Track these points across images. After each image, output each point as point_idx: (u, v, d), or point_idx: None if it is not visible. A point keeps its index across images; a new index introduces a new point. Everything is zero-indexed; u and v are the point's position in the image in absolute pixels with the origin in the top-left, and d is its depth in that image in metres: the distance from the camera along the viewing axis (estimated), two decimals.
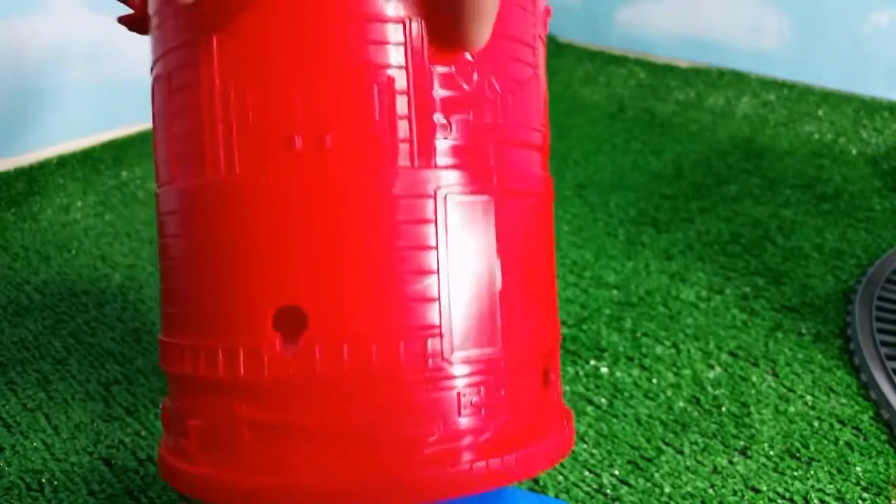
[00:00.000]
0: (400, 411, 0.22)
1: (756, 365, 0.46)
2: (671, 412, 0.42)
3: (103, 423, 0.42)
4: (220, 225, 0.23)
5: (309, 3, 0.22)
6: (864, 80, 0.90)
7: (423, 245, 0.22)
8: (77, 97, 0.80)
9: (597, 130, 0.83)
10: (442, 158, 0.23)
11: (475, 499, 0.26)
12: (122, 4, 0.82)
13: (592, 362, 0.47)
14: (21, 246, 0.62)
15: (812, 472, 0.38)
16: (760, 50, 0.97)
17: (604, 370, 0.46)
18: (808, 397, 0.43)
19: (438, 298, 0.23)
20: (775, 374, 0.45)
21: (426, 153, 0.23)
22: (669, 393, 0.44)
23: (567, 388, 0.44)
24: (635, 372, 0.45)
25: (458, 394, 0.23)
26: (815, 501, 0.36)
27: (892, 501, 0.36)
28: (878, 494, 0.37)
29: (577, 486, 0.37)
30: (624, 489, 0.37)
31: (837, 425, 0.41)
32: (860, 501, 0.36)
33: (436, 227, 0.23)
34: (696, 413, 0.42)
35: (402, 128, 0.22)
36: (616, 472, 0.38)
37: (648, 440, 0.40)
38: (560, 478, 0.38)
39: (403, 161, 0.22)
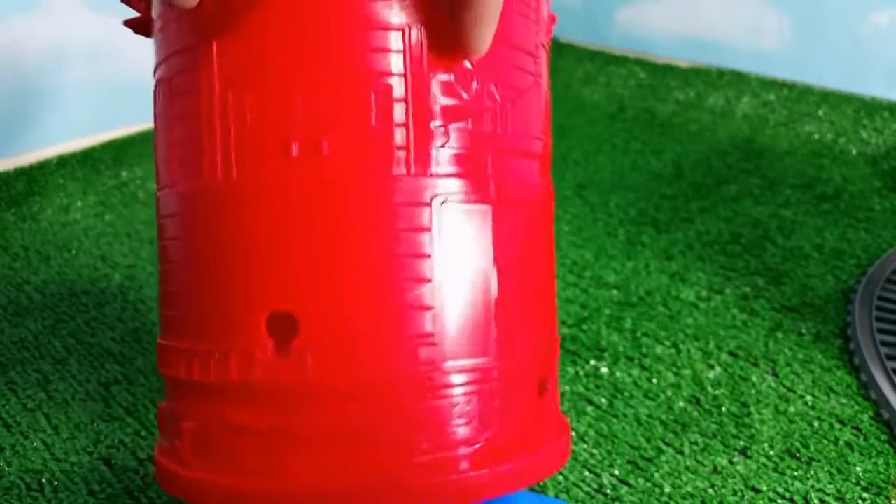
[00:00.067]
0: (392, 419, 0.22)
1: (756, 365, 0.46)
2: (671, 412, 0.42)
3: (103, 423, 0.42)
4: (216, 229, 0.23)
5: (308, 11, 0.22)
6: (864, 80, 0.90)
7: (417, 253, 0.22)
8: (77, 97, 0.80)
9: (597, 130, 0.83)
10: (439, 166, 0.23)
11: None
12: (122, 5, 0.82)
13: (592, 362, 0.47)
14: (21, 246, 0.62)
15: (812, 472, 0.38)
16: (760, 50, 0.97)
17: (604, 370, 0.46)
18: (808, 397, 0.43)
19: (432, 307, 0.23)
20: (775, 374, 0.45)
21: (423, 161, 0.23)
22: (669, 393, 0.44)
23: (567, 388, 0.44)
24: (635, 372, 0.45)
25: (451, 403, 0.23)
26: (815, 501, 0.36)
27: (893, 501, 0.36)
28: (878, 494, 0.37)
29: (577, 486, 0.37)
30: (624, 489, 0.37)
31: (837, 425, 0.41)
32: (860, 501, 0.36)
33: (431, 235, 0.23)
34: (696, 413, 0.42)
35: (399, 135, 0.22)
36: (616, 472, 0.38)
37: (648, 440, 0.40)
38: (560, 478, 0.38)
39: (399, 168, 0.22)
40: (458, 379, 0.23)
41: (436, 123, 0.23)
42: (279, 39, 0.22)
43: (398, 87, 0.22)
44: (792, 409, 0.42)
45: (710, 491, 0.37)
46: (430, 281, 0.22)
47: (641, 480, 0.38)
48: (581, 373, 0.46)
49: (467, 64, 0.23)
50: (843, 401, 0.43)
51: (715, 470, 0.38)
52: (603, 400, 0.43)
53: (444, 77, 0.23)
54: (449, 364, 0.23)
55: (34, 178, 0.74)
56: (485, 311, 0.24)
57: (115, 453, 0.40)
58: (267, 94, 0.22)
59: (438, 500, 0.22)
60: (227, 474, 0.23)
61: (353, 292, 0.22)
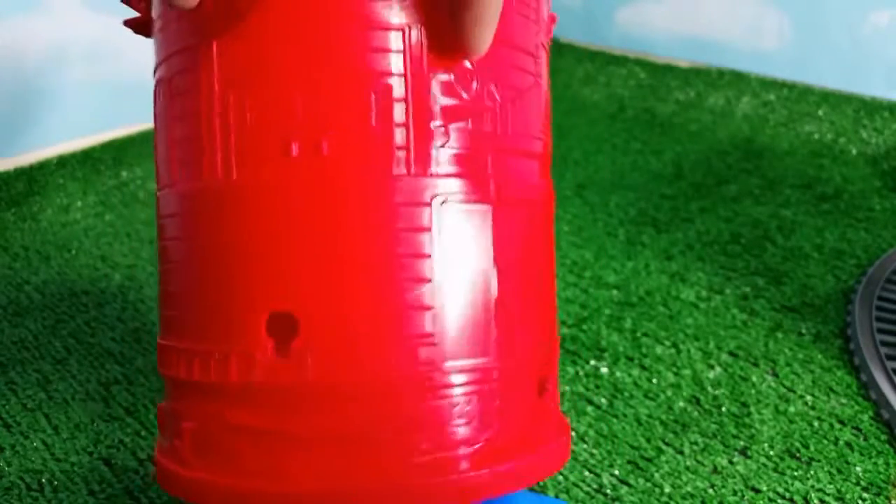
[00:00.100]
0: (391, 419, 0.22)
1: (756, 365, 0.46)
2: (671, 412, 0.42)
3: (103, 423, 0.42)
4: (216, 229, 0.23)
5: (309, 11, 0.22)
6: (864, 80, 0.90)
7: (417, 253, 0.22)
8: (77, 97, 0.80)
9: (597, 130, 0.83)
10: (439, 166, 0.23)
11: None
12: (122, 5, 0.82)
13: (592, 362, 0.47)
14: (21, 246, 0.62)
15: (812, 472, 0.38)
16: (760, 50, 0.97)
17: (604, 370, 0.46)
18: (808, 397, 0.43)
19: (432, 307, 0.22)
20: (775, 374, 0.45)
21: (423, 161, 0.22)
22: (669, 393, 0.44)
23: (567, 388, 0.44)
24: (635, 372, 0.45)
25: (451, 403, 0.23)
26: (815, 501, 0.36)
27: (893, 501, 0.36)
28: (878, 494, 0.37)
29: (577, 486, 0.37)
30: (624, 489, 0.37)
31: (837, 425, 0.41)
32: (860, 501, 0.36)
33: (431, 235, 0.23)
34: (696, 413, 0.42)
35: (399, 135, 0.22)
36: (616, 472, 0.38)
37: (648, 440, 0.40)
38: (560, 478, 0.38)
39: (399, 168, 0.22)
40: (457, 379, 0.23)
41: (436, 123, 0.23)
42: (279, 39, 0.22)
43: (398, 87, 0.22)
44: (792, 409, 0.42)
45: (710, 491, 0.37)
46: (430, 281, 0.22)
47: (641, 480, 0.38)
48: (581, 373, 0.46)
49: (467, 64, 0.23)
50: (843, 401, 0.43)
51: (715, 470, 0.38)
52: (603, 400, 0.43)
53: (444, 77, 0.23)
54: (449, 364, 0.23)
55: (34, 178, 0.74)
56: (485, 312, 0.24)
57: (115, 453, 0.40)
58: (267, 94, 0.22)
59: (438, 500, 0.22)
60: (227, 474, 0.23)
61: (352, 292, 0.22)
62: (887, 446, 0.40)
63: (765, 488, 0.37)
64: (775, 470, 0.38)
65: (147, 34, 0.27)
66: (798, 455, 0.39)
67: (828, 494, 0.37)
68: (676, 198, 0.67)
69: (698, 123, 0.84)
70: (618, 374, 0.45)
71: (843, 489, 0.37)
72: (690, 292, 0.53)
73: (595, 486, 0.37)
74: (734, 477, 0.38)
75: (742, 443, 0.40)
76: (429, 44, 0.23)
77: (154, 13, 0.26)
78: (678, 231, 0.62)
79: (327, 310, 0.22)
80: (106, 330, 0.50)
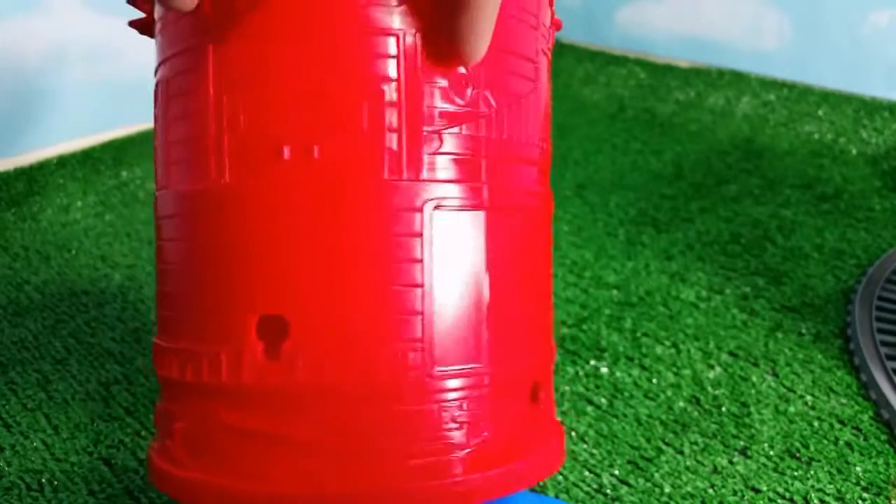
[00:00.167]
0: (382, 423, 0.22)
1: (756, 365, 0.46)
2: (671, 412, 0.42)
3: (103, 423, 0.42)
4: (209, 231, 0.23)
5: (304, 15, 0.22)
6: (864, 80, 0.90)
7: (408, 258, 0.22)
8: (77, 97, 0.80)
9: (597, 130, 0.83)
10: (431, 172, 0.23)
11: None
12: (122, 6, 0.82)
13: (592, 362, 0.47)
14: (21, 246, 0.62)
15: (812, 472, 0.38)
16: (760, 50, 0.98)
17: (604, 370, 0.46)
18: (808, 397, 0.43)
19: (422, 312, 0.22)
20: (775, 374, 0.45)
21: (415, 166, 0.22)
22: (669, 393, 0.44)
23: (567, 388, 0.44)
24: (635, 372, 0.45)
25: (442, 407, 0.23)
26: (815, 501, 0.36)
27: (893, 501, 0.36)
28: (878, 494, 0.37)
29: (577, 486, 0.37)
30: (624, 489, 0.37)
31: (837, 425, 0.41)
32: (860, 501, 0.36)
33: (422, 240, 0.22)
34: (696, 413, 0.42)
35: (391, 140, 0.22)
36: (616, 472, 0.38)
37: (648, 440, 0.40)
38: (560, 478, 0.38)
39: (391, 173, 0.22)
40: (448, 384, 0.23)
41: (429, 129, 0.23)
42: (274, 43, 0.22)
43: (391, 92, 0.22)
44: (792, 409, 0.42)
45: (710, 491, 0.37)
46: (421, 286, 0.22)
47: (641, 480, 0.38)
48: (581, 373, 0.46)
49: (462, 70, 0.23)
50: (843, 401, 0.43)
51: (715, 470, 0.38)
52: (603, 400, 0.43)
53: (438, 83, 0.23)
54: (439, 369, 0.23)
55: (34, 178, 0.74)
56: (476, 317, 0.23)
57: (115, 453, 0.40)
58: (260, 98, 0.22)
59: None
60: (218, 475, 0.23)
61: (343, 296, 0.22)
62: (887, 446, 0.40)
63: (765, 488, 0.37)
64: (775, 470, 0.38)
65: (152, 35, 0.28)
66: (798, 455, 0.39)
67: (828, 494, 0.37)
68: (676, 198, 0.67)
69: (698, 123, 0.84)
70: (618, 374, 0.45)
71: (843, 489, 0.37)
72: (690, 292, 0.53)
73: (595, 486, 0.37)
74: (734, 477, 0.38)
75: (742, 443, 0.40)
76: (423, 49, 0.23)
77: (156, 14, 0.26)
78: (678, 231, 0.62)
79: (317, 313, 0.22)
80: (106, 330, 0.50)
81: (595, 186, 0.70)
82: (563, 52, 1.11)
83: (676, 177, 0.72)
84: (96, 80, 0.81)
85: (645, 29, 1.09)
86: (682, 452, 0.39)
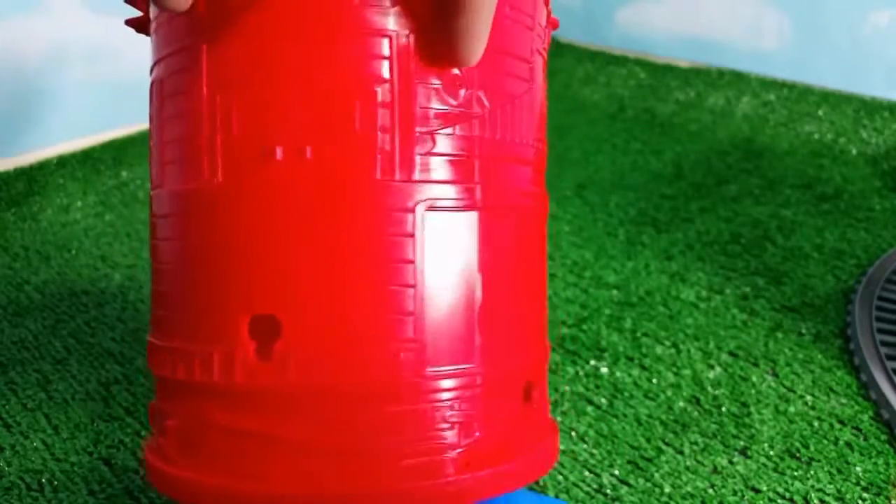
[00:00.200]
0: (373, 424, 0.22)
1: (756, 365, 0.46)
2: (671, 412, 0.42)
3: (103, 423, 0.42)
4: (202, 230, 0.23)
5: (296, 16, 0.22)
6: (864, 80, 0.90)
7: (400, 258, 0.22)
8: (77, 97, 0.80)
9: (597, 130, 0.83)
10: (423, 172, 0.23)
11: None
12: (122, 5, 0.82)
13: (592, 362, 0.47)
14: (21, 246, 0.62)
15: (812, 472, 0.38)
16: (760, 50, 0.98)
17: (604, 370, 0.46)
18: (808, 397, 0.43)
19: (414, 312, 0.22)
20: (775, 374, 0.45)
21: (407, 167, 0.22)
22: (669, 393, 0.44)
23: (567, 388, 0.44)
24: (635, 372, 0.45)
25: (434, 408, 0.23)
26: (815, 501, 0.36)
27: (893, 501, 0.36)
28: (878, 494, 0.37)
29: (577, 486, 0.37)
30: (624, 489, 0.37)
31: (837, 425, 0.41)
32: (860, 501, 0.36)
33: (414, 240, 0.22)
34: (696, 413, 0.42)
35: (384, 141, 0.22)
36: (616, 472, 0.38)
37: (648, 440, 0.40)
38: (560, 478, 0.38)
39: (383, 174, 0.22)
40: (440, 384, 0.23)
41: (421, 129, 0.23)
42: (267, 44, 0.22)
43: (384, 92, 0.22)
44: (792, 409, 0.42)
45: (710, 491, 0.37)
46: (413, 286, 0.22)
47: (641, 480, 0.38)
48: (581, 373, 0.46)
49: (455, 70, 0.23)
50: (843, 401, 0.43)
51: (715, 470, 0.38)
52: (603, 400, 0.43)
53: (431, 83, 0.23)
54: (431, 369, 0.23)
55: (34, 178, 0.74)
56: (468, 318, 0.23)
57: (115, 453, 0.40)
58: (253, 98, 0.22)
59: None
60: (209, 473, 0.23)
61: (335, 296, 0.22)
62: (887, 446, 0.40)
63: (765, 488, 0.37)
64: (775, 470, 0.38)
65: (148, 33, 0.28)
66: (798, 455, 0.39)
67: (828, 494, 0.37)
68: (676, 198, 0.67)
69: (698, 123, 0.84)
70: (618, 374, 0.45)
71: (843, 489, 0.37)
72: (690, 292, 0.53)
73: (595, 486, 0.37)
74: (734, 477, 0.38)
75: (742, 443, 0.40)
76: (417, 51, 0.22)
77: (151, 14, 0.26)
78: (678, 231, 0.62)
79: (309, 313, 0.22)
80: (106, 330, 0.50)
81: (595, 186, 0.70)
82: (562, 52, 1.11)
83: (676, 177, 0.72)
84: (96, 80, 0.81)
85: (645, 29, 1.09)
86: (682, 452, 0.39)
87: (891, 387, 0.42)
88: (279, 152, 0.22)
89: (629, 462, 0.39)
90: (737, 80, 0.95)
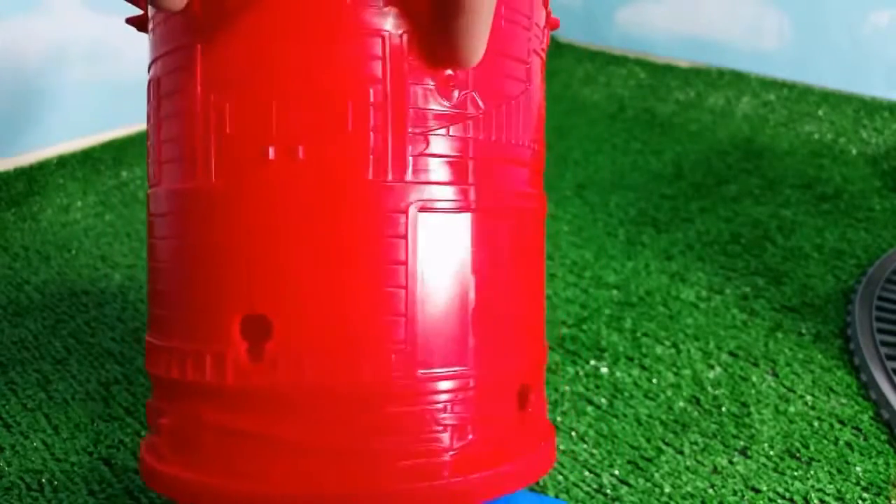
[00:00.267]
0: (365, 425, 0.22)
1: (756, 365, 0.46)
2: (671, 412, 0.42)
3: (103, 423, 0.42)
4: (196, 229, 0.23)
5: (290, 15, 0.22)
6: (864, 80, 0.90)
7: (392, 259, 0.22)
8: (77, 97, 0.80)
9: (597, 130, 0.83)
10: (416, 173, 0.23)
11: None
12: (122, 5, 0.82)
13: (592, 362, 0.47)
14: (21, 246, 0.62)
15: (812, 472, 0.38)
16: (760, 50, 0.98)
17: (604, 370, 0.46)
18: (808, 397, 0.43)
19: (405, 314, 0.22)
20: (775, 374, 0.45)
21: (400, 167, 0.22)
22: (669, 393, 0.44)
23: (567, 388, 0.44)
24: (635, 372, 0.45)
25: (426, 410, 0.23)
26: (815, 501, 0.36)
27: (893, 501, 0.36)
28: (878, 494, 0.37)
29: (577, 486, 0.37)
30: (624, 489, 0.37)
31: (837, 425, 0.41)
32: (860, 501, 0.36)
33: (406, 241, 0.22)
34: (696, 413, 0.42)
35: (376, 141, 0.22)
36: (616, 472, 0.38)
37: (648, 440, 0.40)
38: (560, 478, 0.38)
39: (376, 174, 0.22)
40: (433, 386, 0.23)
41: (414, 130, 0.23)
42: (261, 43, 0.22)
43: (377, 93, 0.22)
44: (792, 409, 0.42)
45: (710, 491, 0.37)
46: (405, 288, 0.22)
47: (641, 480, 0.38)
48: (581, 373, 0.46)
49: (448, 71, 0.23)
50: (843, 401, 0.43)
51: (715, 470, 0.38)
52: (603, 400, 0.43)
53: (424, 84, 0.23)
54: (423, 371, 0.23)
55: (34, 178, 0.74)
56: (461, 320, 0.23)
57: (115, 453, 0.40)
58: (246, 98, 0.22)
59: None
60: (202, 472, 0.23)
61: (326, 297, 0.22)
62: (887, 446, 0.40)
63: (765, 488, 0.37)
64: (775, 470, 0.38)
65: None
66: (798, 455, 0.39)
67: (828, 494, 0.37)
68: (676, 198, 0.67)
69: (698, 123, 0.84)
70: (618, 374, 0.45)
71: (843, 489, 0.37)
72: (690, 292, 0.53)
73: (595, 486, 0.37)
74: (734, 477, 0.38)
75: (742, 443, 0.40)
76: (410, 51, 0.22)
77: (149, 13, 0.26)
78: (678, 231, 0.62)
79: (300, 313, 0.22)
80: (106, 330, 0.50)
81: (595, 186, 0.70)
82: (562, 52, 1.11)
83: (676, 177, 0.72)
84: (96, 80, 0.81)
85: (645, 29, 1.09)
86: (682, 452, 0.39)
87: (891, 387, 0.42)
88: (272, 152, 0.22)
89: (629, 462, 0.39)
90: (737, 80, 0.95)
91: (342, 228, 0.22)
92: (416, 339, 0.22)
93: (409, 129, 0.22)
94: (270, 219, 0.22)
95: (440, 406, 0.23)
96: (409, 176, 0.23)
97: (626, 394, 0.44)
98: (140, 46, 0.83)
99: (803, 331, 0.49)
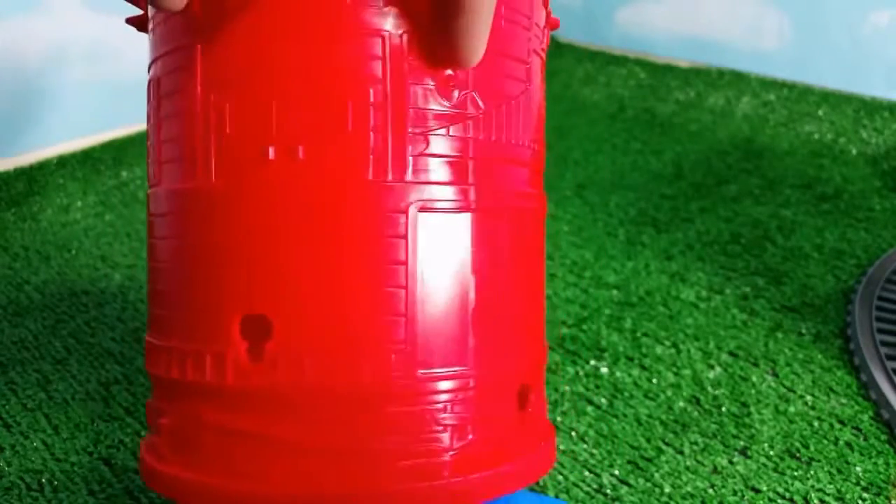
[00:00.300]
0: (365, 425, 0.22)
1: (756, 365, 0.46)
2: (671, 412, 0.42)
3: (103, 423, 0.42)
4: (196, 229, 0.23)
5: (289, 15, 0.22)
6: (864, 80, 0.90)
7: (391, 259, 0.22)
8: (77, 97, 0.80)
9: (597, 130, 0.83)
10: (416, 173, 0.23)
11: None
12: (122, 5, 0.82)
13: (592, 362, 0.47)
14: (21, 246, 0.62)
15: (812, 472, 0.38)
16: (760, 50, 0.98)
17: (604, 370, 0.46)
18: (808, 397, 0.43)
19: (405, 314, 0.22)
20: (775, 374, 0.45)
21: (400, 167, 0.22)
22: (669, 393, 0.44)
23: (567, 388, 0.44)
24: (635, 372, 0.45)
25: (425, 410, 0.23)
26: (815, 501, 0.36)
27: (893, 501, 0.36)
28: (878, 494, 0.37)
29: (577, 486, 0.37)
30: (624, 489, 0.37)
31: (837, 425, 0.41)
32: (860, 501, 0.36)
33: (406, 241, 0.22)
34: (696, 413, 0.42)
35: (376, 141, 0.22)
36: (616, 472, 0.38)
37: (648, 440, 0.40)
38: (560, 478, 0.38)
39: (376, 174, 0.22)
40: (432, 386, 0.23)
41: (414, 130, 0.23)
42: (260, 43, 0.22)
43: (376, 93, 0.22)
44: (792, 409, 0.42)
45: (710, 491, 0.37)
46: (404, 288, 0.22)
47: (641, 480, 0.38)
48: (581, 373, 0.46)
49: (448, 71, 0.23)
50: (843, 401, 0.43)
51: (715, 470, 0.38)
52: (603, 400, 0.43)
53: (424, 84, 0.23)
54: (423, 371, 0.23)
55: (34, 178, 0.74)
56: (461, 320, 0.23)
57: (115, 453, 0.40)
58: (246, 98, 0.22)
59: None
60: (201, 472, 0.23)
61: (326, 296, 0.22)
62: (887, 446, 0.40)
63: (765, 488, 0.37)
64: (775, 470, 0.38)
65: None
66: (798, 455, 0.39)
67: (828, 494, 0.37)
68: (676, 198, 0.67)
69: (698, 123, 0.84)
70: (618, 374, 0.45)
71: (843, 489, 0.37)
72: (690, 292, 0.53)
73: (595, 486, 0.37)
74: (734, 477, 0.38)
75: (742, 443, 0.40)
76: (410, 51, 0.22)
77: (149, 13, 0.26)
78: (678, 231, 0.62)
79: (300, 313, 0.22)
80: (106, 330, 0.50)
81: (595, 186, 0.70)
82: (562, 52, 1.11)
83: (676, 177, 0.72)
84: (96, 80, 0.81)
85: (645, 29, 1.09)
86: (682, 452, 0.39)
87: (891, 387, 0.42)
88: (272, 152, 0.22)
89: (629, 462, 0.39)
90: (737, 80, 0.95)
91: (342, 228, 0.22)
92: (415, 339, 0.22)
93: (409, 129, 0.22)
94: (270, 219, 0.22)
95: (440, 406, 0.23)
96: (408, 176, 0.22)
97: (626, 394, 0.44)
98: (140, 46, 0.83)
99: (803, 331, 0.49)
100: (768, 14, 0.96)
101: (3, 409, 0.43)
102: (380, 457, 0.22)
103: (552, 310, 0.52)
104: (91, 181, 0.74)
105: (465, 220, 0.24)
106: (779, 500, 0.36)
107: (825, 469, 0.38)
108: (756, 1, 0.96)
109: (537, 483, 0.38)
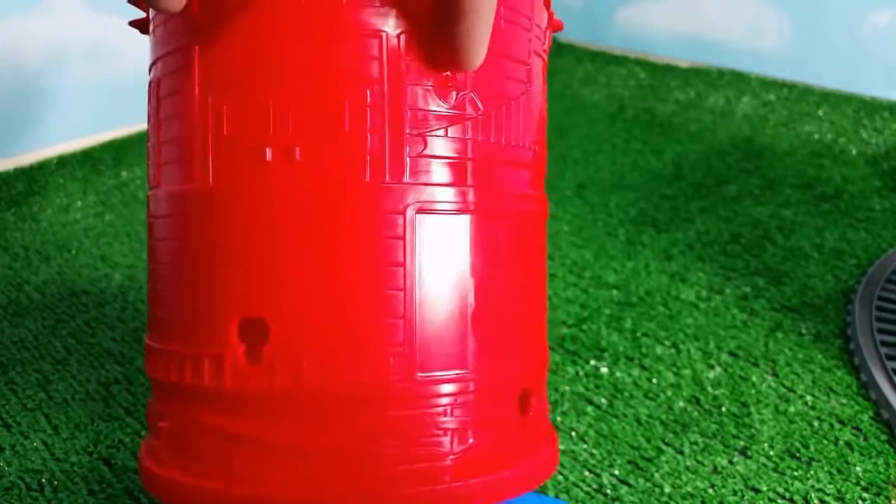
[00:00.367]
0: (364, 428, 0.22)
1: (756, 365, 0.46)
2: (671, 412, 0.42)
3: (103, 423, 0.42)
4: (194, 232, 0.23)
5: (287, 17, 0.22)
6: (864, 80, 0.90)
7: (389, 261, 0.22)
8: (77, 97, 0.80)
9: (597, 130, 0.83)
10: (414, 174, 0.22)
11: None
12: (122, 5, 0.82)
13: (592, 362, 0.47)
14: (21, 246, 0.62)
15: (812, 472, 0.38)
16: (760, 50, 0.98)
17: (604, 370, 0.46)
18: (808, 397, 0.43)
19: (403, 317, 0.22)
20: (775, 374, 0.45)
21: (397, 169, 0.22)
22: (669, 393, 0.44)
23: (567, 388, 0.44)
24: (635, 372, 0.45)
25: (425, 413, 0.23)
26: (815, 501, 0.36)
27: (893, 501, 0.36)
28: (878, 494, 0.37)
29: (577, 486, 0.37)
30: (624, 489, 0.37)
31: (837, 425, 0.41)
32: (860, 501, 0.36)
33: (404, 243, 0.22)
34: (696, 413, 0.42)
35: (373, 142, 0.22)
36: (616, 472, 0.38)
37: (648, 440, 0.40)
38: (560, 478, 0.38)
39: (373, 175, 0.22)
40: (432, 390, 0.23)
41: (412, 131, 0.22)
42: (258, 45, 0.22)
43: (374, 93, 0.22)
44: (792, 409, 0.42)
45: (710, 491, 0.37)
46: (403, 290, 0.22)
47: (641, 480, 0.38)
48: (581, 373, 0.46)
49: (447, 73, 0.23)
50: (843, 401, 0.43)
51: (715, 470, 0.38)
52: (603, 400, 0.43)
53: (422, 85, 0.23)
54: (422, 374, 0.22)
55: (34, 178, 0.74)
56: (460, 323, 0.23)
57: (115, 453, 0.40)
58: (243, 99, 0.22)
59: None
60: (200, 476, 0.23)
61: (323, 299, 0.22)
62: (887, 446, 0.40)
63: (765, 488, 0.37)
64: (775, 470, 0.38)
65: None
66: (798, 455, 0.39)
67: (828, 494, 0.37)
68: (676, 198, 0.67)
69: (698, 123, 0.84)
70: (618, 374, 0.45)
71: (843, 489, 0.37)
72: (690, 292, 0.53)
73: (595, 486, 0.37)
74: (734, 477, 0.38)
75: (742, 443, 0.40)
76: (409, 51, 0.22)
77: (150, 14, 0.26)
78: (678, 231, 0.62)
79: (297, 316, 0.22)
80: (106, 330, 0.50)
81: (595, 186, 0.70)
82: (562, 52, 1.11)
83: (676, 177, 0.72)
84: (96, 80, 0.81)
85: (645, 29, 1.09)
86: (682, 452, 0.39)
87: (891, 387, 0.42)
88: (269, 153, 0.22)
89: (629, 462, 0.39)
90: (737, 80, 0.95)
91: (339, 230, 0.22)
92: (414, 341, 0.22)
93: (407, 130, 0.22)
94: (267, 220, 0.22)
95: (440, 409, 0.23)
96: (406, 177, 0.22)
97: (626, 394, 0.44)
98: (140, 46, 0.83)
99: (803, 331, 0.49)
100: (768, 14, 0.96)
101: (3, 409, 0.43)
102: (380, 460, 0.22)
103: (552, 310, 0.52)
104: (91, 181, 0.74)
105: (465, 221, 0.23)
106: (779, 500, 0.36)
107: (825, 469, 0.38)
108: (756, 1, 0.96)
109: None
